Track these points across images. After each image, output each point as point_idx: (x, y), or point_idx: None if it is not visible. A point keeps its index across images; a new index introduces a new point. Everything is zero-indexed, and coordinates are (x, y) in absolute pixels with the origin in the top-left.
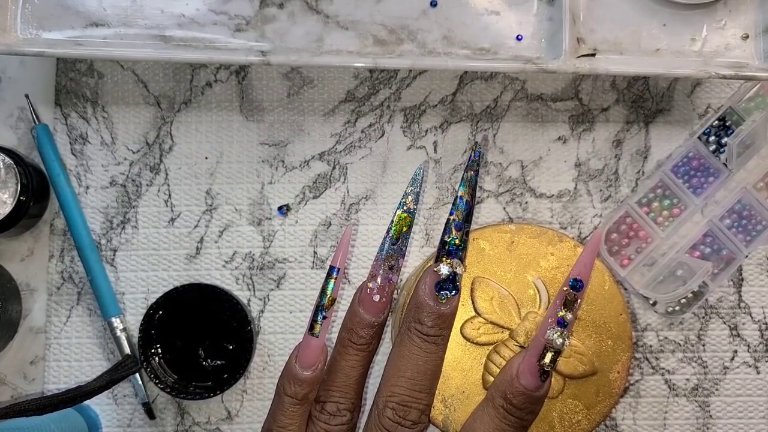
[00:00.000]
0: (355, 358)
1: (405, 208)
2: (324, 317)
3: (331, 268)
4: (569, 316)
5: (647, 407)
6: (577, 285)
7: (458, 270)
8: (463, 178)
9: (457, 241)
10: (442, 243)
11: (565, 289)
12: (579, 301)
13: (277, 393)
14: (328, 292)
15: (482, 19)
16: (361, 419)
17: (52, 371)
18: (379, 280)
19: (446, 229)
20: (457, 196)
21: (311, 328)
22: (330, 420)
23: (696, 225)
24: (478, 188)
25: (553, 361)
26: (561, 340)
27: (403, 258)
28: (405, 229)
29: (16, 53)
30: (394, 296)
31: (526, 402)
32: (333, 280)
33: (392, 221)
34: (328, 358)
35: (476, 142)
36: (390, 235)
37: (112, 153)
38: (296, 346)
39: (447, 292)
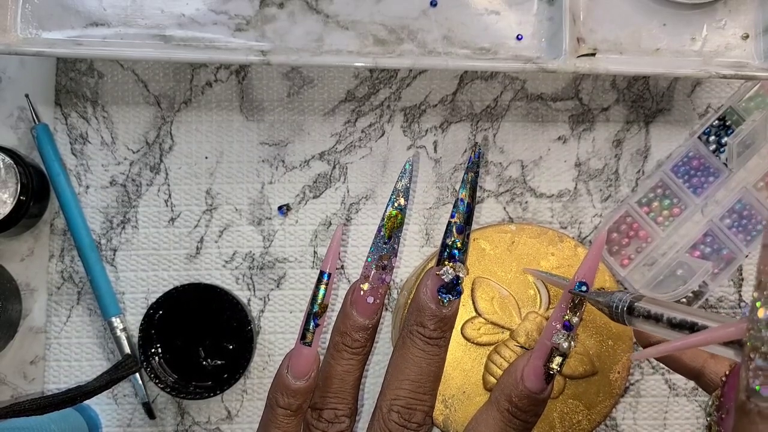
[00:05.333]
0: (350, 363)
1: (395, 205)
2: (316, 325)
3: (322, 273)
4: (575, 319)
5: (647, 407)
6: (582, 288)
7: (460, 273)
8: (463, 179)
9: (458, 245)
10: (444, 246)
11: (570, 292)
12: (584, 304)
13: (269, 405)
14: (319, 299)
15: (482, 19)
16: (358, 423)
17: (52, 371)
18: (371, 280)
19: (447, 232)
20: (457, 198)
21: (303, 336)
22: (328, 428)
23: (696, 225)
24: (478, 188)
25: (560, 364)
26: (567, 343)
27: (396, 257)
28: (397, 227)
29: (16, 53)
30: (394, 296)
31: (530, 404)
32: (324, 286)
33: (383, 219)
34: (322, 362)
35: (476, 143)
36: (381, 234)
37: (112, 153)
38: (286, 356)
39: (449, 295)
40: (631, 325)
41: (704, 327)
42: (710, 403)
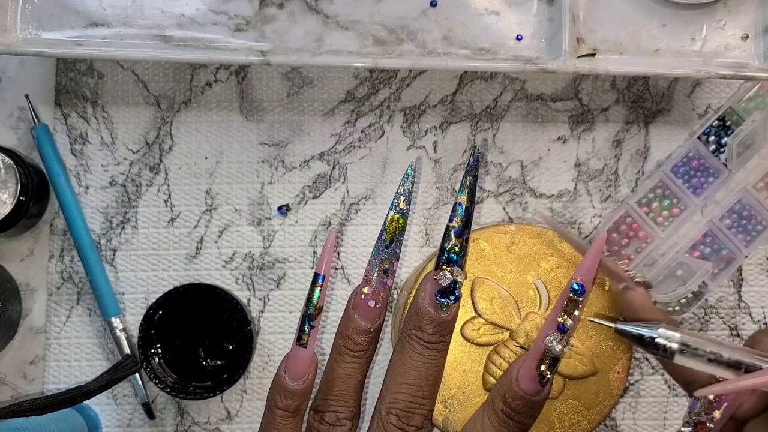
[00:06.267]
0: (352, 366)
1: (397, 209)
2: (311, 327)
3: (316, 275)
4: (569, 321)
5: (647, 407)
6: (579, 290)
7: (458, 278)
8: (462, 183)
9: (457, 249)
10: (442, 250)
11: (571, 296)
12: (580, 306)
13: (268, 406)
14: (314, 301)
15: (482, 19)
16: (361, 426)
17: (52, 371)
18: (373, 284)
19: (446, 237)
20: (456, 202)
21: (299, 338)
22: (330, 430)
23: (696, 225)
24: (477, 188)
25: (552, 367)
26: (560, 346)
27: (398, 261)
28: (398, 231)
29: (16, 53)
30: (394, 296)
31: (525, 406)
32: (318, 288)
33: (385, 223)
34: (325, 365)
35: (475, 146)
36: (383, 238)
37: (112, 153)
38: (284, 357)
39: (447, 300)
40: (674, 361)
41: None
42: (700, 406)
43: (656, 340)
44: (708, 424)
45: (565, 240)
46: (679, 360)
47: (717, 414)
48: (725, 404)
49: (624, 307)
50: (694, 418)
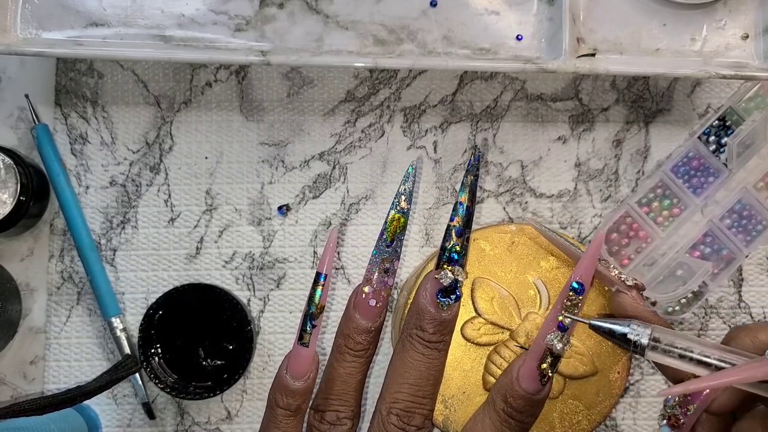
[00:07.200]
0: (352, 365)
1: (398, 208)
2: (313, 326)
3: (318, 274)
4: (568, 320)
5: (647, 407)
6: (578, 288)
7: (459, 277)
8: (463, 182)
9: (458, 248)
10: (443, 249)
11: (570, 294)
12: (580, 304)
13: (269, 405)
14: (316, 300)
15: (482, 19)
16: (361, 426)
17: (52, 371)
18: (374, 283)
19: (447, 236)
20: (457, 201)
21: (300, 337)
22: (330, 429)
23: (696, 225)
24: (478, 188)
25: (553, 365)
26: (561, 344)
27: (398, 260)
28: (399, 230)
29: (16, 53)
30: (394, 296)
31: (526, 405)
32: (320, 287)
33: (386, 223)
34: (326, 365)
35: (475, 145)
36: (384, 237)
37: (112, 153)
38: (286, 357)
39: (448, 299)
40: (645, 357)
41: (723, 364)
42: (674, 400)
43: (627, 335)
44: (681, 418)
45: (555, 245)
46: (651, 356)
47: (691, 408)
48: (699, 398)
49: (615, 310)
50: (668, 411)
